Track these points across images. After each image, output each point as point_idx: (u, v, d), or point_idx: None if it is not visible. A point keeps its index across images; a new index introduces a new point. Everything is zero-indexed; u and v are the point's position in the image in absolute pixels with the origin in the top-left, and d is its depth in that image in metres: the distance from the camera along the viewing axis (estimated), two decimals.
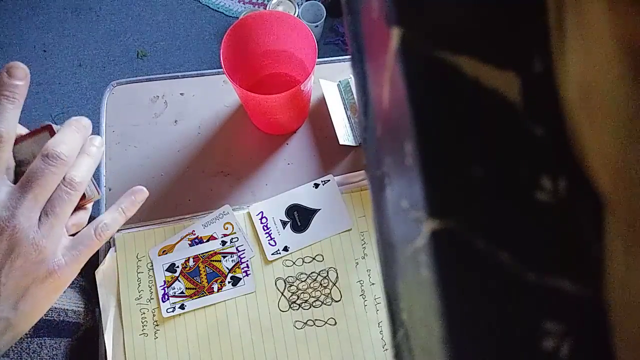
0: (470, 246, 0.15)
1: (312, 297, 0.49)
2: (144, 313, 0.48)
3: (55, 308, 0.46)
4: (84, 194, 0.36)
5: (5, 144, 0.32)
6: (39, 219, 0.32)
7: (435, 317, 0.15)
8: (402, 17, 0.16)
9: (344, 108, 0.55)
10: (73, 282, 0.51)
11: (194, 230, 0.51)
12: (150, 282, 0.49)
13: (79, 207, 0.37)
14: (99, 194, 0.38)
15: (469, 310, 0.15)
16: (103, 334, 0.47)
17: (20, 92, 0.32)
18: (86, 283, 0.53)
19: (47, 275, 0.33)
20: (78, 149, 0.35)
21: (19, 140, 0.35)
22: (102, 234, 0.36)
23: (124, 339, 0.47)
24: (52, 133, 0.35)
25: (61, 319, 0.46)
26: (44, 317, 0.44)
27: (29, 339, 0.43)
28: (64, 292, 0.48)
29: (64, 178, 0.33)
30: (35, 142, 0.35)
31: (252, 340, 0.48)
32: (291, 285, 0.50)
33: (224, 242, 0.50)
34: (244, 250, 0.50)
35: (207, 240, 0.50)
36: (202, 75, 0.58)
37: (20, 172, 0.33)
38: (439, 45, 0.16)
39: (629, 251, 0.14)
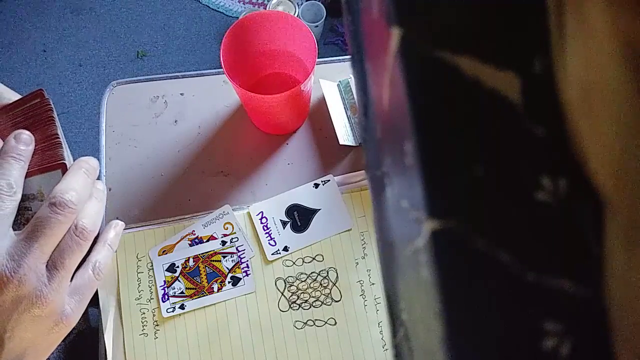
0: (470, 246, 0.15)
1: (312, 297, 0.49)
2: (144, 313, 0.48)
3: None
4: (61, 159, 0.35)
5: (13, 195, 0.32)
6: (48, 270, 0.32)
7: (435, 317, 0.15)
8: (402, 17, 0.16)
9: (344, 108, 0.55)
10: None
11: (194, 230, 0.51)
12: (150, 282, 0.49)
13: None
14: None
15: (469, 310, 0.15)
16: (103, 334, 0.47)
17: (25, 155, 0.34)
18: None
19: (54, 326, 0.33)
20: (88, 195, 0.34)
21: (29, 174, 0.34)
22: (100, 273, 0.36)
23: (124, 339, 0.47)
24: (65, 171, 0.34)
25: None
26: None
27: None
28: None
29: (75, 226, 0.33)
30: (45, 178, 0.34)
31: (252, 340, 0.48)
32: (291, 285, 0.50)
33: (224, 242, 0.50)
34: (244, 250, 0.50)
35: (207, 240, 0.50)
36: (202, 75, 0.58)
37: (23, 207, 0.33)
38: (439, 46, 0.16)
39: (629, 251, 0.14)
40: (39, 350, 0.33)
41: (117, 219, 0.52)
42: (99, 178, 0.53)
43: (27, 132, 0.34)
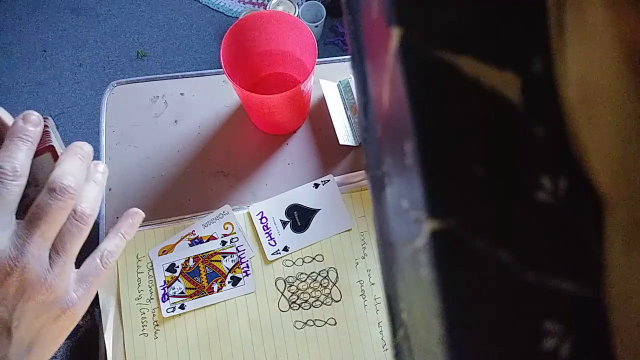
0: (470, 246, 0.15)
1: (312, 297, 0.49)
2: (144, 313, 0.48)
3: None
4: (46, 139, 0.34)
5: (18, 180, 0.31)
6: (50, 257, 0.31)
7: (435, 317, 0.15)
8: (402, 17, 0.16)
9: (344, 108, 0.55)
10: None
11: (194, 230, 0.51)
12: (150, 282, 0.49)
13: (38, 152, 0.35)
14: None
15: (469, 310, 0.15)
16: (103, 334, 0.47)
17: (33, 137, 0.33)
18: None
19: (61, 314, 0.32)
20: (83, 177, 0.33)
21: None
22: (108, 262, 0.35)
23: (124, 339, 0.47)
24: (55, 155, 0.34)
25: None
26: None
27: None
28: None
29: (74, 211, 0.32)
30: (36, 164, 0.34)
31: (252, 340, 0.48)
32: (291, 285, 0.49)
33: (224, 242, 0.50)
34: (244, 250, 0.50)
35: (207, 240, 0.50)
36: (202, 75, 0.58)
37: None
38: (439, 45, 0.16)
39: (629, 251, 0.14)
40: (47, 340, 0.33)
41: (117, 218, 0.52)
42: (98, 158, 0.53)
43: (36, 113, 0.33)
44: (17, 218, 0.32)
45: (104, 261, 0.35)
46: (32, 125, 0.33)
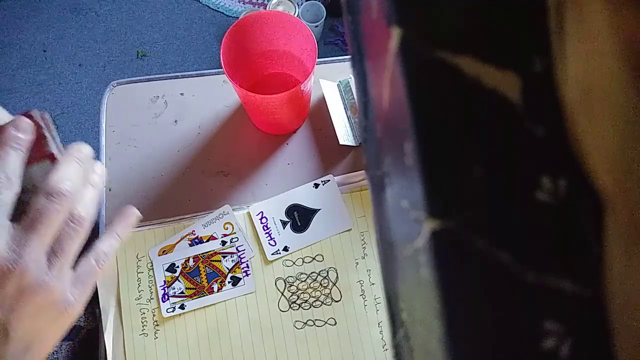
0: (470, 246, 0.15)
1: (312, 297, 0.49)
2: (144, 313, 0.48)
3: None
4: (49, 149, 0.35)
5: (10, 187, 0.31)
6: (47, 259, 0.32)
7: (435, 317, 0.15)
8: (402, 17, 0.16)
9: (344, 108, 0.55)
10: None
11: (194, 230, 0.51)
12: (150, 282, 0.49)
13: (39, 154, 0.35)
14: None
15: (469, 310, 0.15)
16: (103, 334, 0.47)
17: (25, 145, 0.33)
18: None
19: (58, 316, 0.32)
20: (80, 181, 0.34)
21: None
22: (103, 262, 0.35)
23: (124, 339, 0.47)
24: (54, 161, 0.34)
25: None
26: None
27: None
28: None
29: (71, 214, 0.33)
30: (36, 170, 0.34)
31: (252, 340, 0.48)
32: (291, 285, 0.49)
33: (224, 242, 0.50)
34: (244, 250, 0.50)
35: (207, 240, 0.50)
36: (202, 75, 0.58)
37: (19, 201, 0.32)
38: (439, 46, 0.16)
39: (629, 251, 0.14)
40: (45, 341, 0.33)
41: None
42: (98, 158, 0.53)
43: (27, 120, 0.34)
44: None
45: (100, 263, 0.35)
46: (23, 132, 0.33)
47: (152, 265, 0.49)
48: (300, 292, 0.49)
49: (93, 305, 0.51)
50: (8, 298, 0.30)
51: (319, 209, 0.52)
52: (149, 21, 1.50)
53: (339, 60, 0.59)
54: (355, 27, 0.22)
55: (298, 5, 1.36)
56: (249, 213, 0.52)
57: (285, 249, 0.50)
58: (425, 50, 0.16)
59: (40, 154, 0.34)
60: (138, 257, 0.50)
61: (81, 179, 0.34)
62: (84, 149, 0.35)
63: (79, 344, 0.47)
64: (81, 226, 0.33)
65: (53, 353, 0.44)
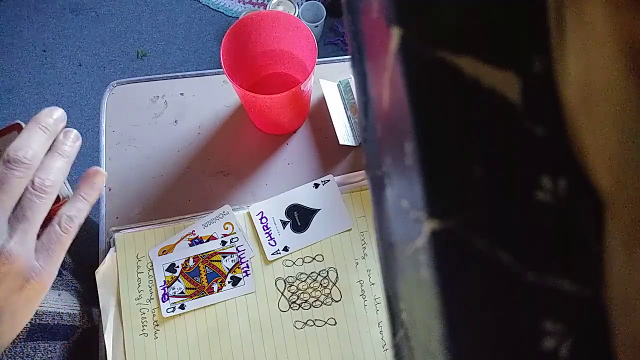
0: (470, 246, 0.15)
1: (312, 297, 0.49)
2: (144, 313, 0.48)
3: (50, 312, 0.45)
4: (58, 196, 0.34)
5: (50, 194, 0.33)
6: (10, 226, 0.31)
7: (435, 317, 0.15)
8: (402, 17, 0.16)
9: (344, 108, 0.55)
10: (68, 285, 0.50)
11: (194, 230, 0.51)
12: (150, 282, 0.49)
13: (53, 212, 0.35)
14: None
15: (469, 310, 0.15)
16: (103, 334, 0.47)
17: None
18: (81, 285, 0.53)
19: (25, 284, 0.32)
20: (44, 149, 0.33)
21: None
22: (68, 227, 0.34)
23: (124, 339, 0.47)
24: (20, 131, 0.34)
25: (55, 322, 0.45)
26: (38, 322, 0.43)
27: (23, 343, 0.42)
28: (59, 295, 0.47)
29: (32, 182, 0.32)
30: (2, 142, 0.34)
31: (252, 340, 0.48)
32: (291, 285, 0.49)
33: (224, 242, 0.50)
34: (244, 250, 0.50)
35: (207, 240, 0.50)
36: (202, 75, 0.58)
37: None
38: (439, 45, 0.16)
39: (629, 251, 0.14)
40: (16, 312, 0.32)
41: (117, 218, 0.52)
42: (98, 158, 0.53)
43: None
44: None
45: (63, 226, 0.34)
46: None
47: (152, 265, 0.49)
48: (300, 292, 0.49)
49: (89, 304, 0.51)
50: None
51: (319, 209, 0.52)
52: (149, 21, 1.50)
53: (339, 60, 0.59)
54: (355, 27, 0.22)
55: (298, 5, 1.36)
56: (249, 213, 0.52)
57: (285, 249, 0.50)
58: (425, 50, 0.16)
59: (8, 128, 0.35)
60: (138, 257, 0.50)
61: (45, 145, 0.34)
62: (55, 114, 0.35)
63: (74, 344, 0.47)
64: (45, 193, 0.32)
65: (47, 353, 0.44)
